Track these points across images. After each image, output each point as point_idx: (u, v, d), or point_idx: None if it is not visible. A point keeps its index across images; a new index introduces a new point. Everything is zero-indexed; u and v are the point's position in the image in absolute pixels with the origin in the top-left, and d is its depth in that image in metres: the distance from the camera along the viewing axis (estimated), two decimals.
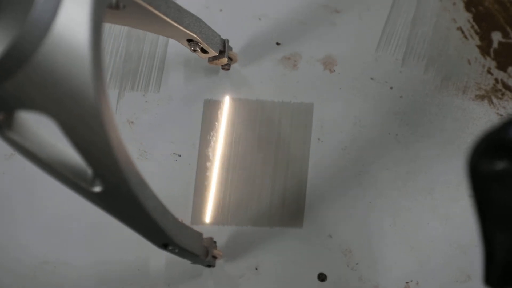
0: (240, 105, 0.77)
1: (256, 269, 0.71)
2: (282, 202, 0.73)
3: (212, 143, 0.76)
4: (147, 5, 0.51)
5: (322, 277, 0.70)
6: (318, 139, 0.75)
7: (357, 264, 0.70)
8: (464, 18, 0.79)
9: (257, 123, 0.76)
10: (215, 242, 0.69)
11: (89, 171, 0.42)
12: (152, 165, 0.75)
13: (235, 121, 0.76)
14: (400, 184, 0.73)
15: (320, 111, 0.76)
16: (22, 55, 0.32)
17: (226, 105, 0.77)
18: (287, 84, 0.78)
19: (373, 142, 0.75)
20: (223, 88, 0.78)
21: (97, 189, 0.43)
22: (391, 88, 0.77)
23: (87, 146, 0.39)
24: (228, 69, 0.77)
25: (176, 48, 0.78)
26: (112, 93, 0.77)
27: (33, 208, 0.75)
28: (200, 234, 0.63)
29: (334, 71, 0.78)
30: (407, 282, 0.69)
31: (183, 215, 0.73)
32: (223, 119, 0.76)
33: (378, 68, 0.78)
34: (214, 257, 0.68)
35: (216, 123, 0.76)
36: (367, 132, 0.75)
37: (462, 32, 0.79)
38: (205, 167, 0.75)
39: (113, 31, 0.79)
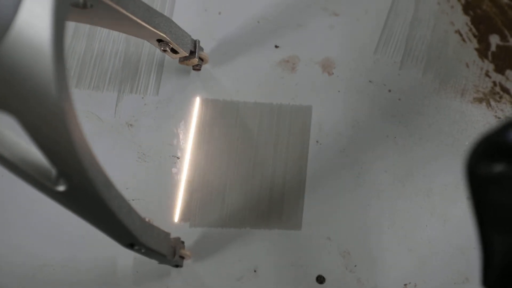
0: (237, 107, 0.77)
1: (255, 271, 0.71)
2: (280, 205, 0.73)
3: (207, 144, 0.76)
4: (114, 5, 0.51)
5: (320, 280, 0.70)
6: (317, 141, 0.76)
7: (355, 266, 0.71)
8: (462, 21, 0.79)
9: (256, 125, 0.76)
10: (183, 242, 0.69)
11: (53, 170, 0.42)
12: (151, 167, 0.75)
13: (232, 123, 0.77)
14: (398, 186, 0.73)
15: (318, 113, 0.77)
16: None
17: (226, 106, 0.77)
18: (285, 87, 0.78)
19: (371, 144, 0.75)
20: (224, 89, 0.78)
21: (61, 188, 0.43)
22: (390, 90, 0.77)
23: (50, 145, 0.39)
24: (199, 69, 0.77)
25: None
26: (111, 96, 0.77)
27: (32, 211, 0.75)
28: (167, 234, 0.63)
29: (333, 73, 0.78)
30: (405, 284, 0.70)
31: (183, 217, 0.73)
32: (221, 121, 0.77)
33: (376, 71, 0.78)
34: (182, 257, 0.68)
35: (212, 125, 0.76)
36: (365, 134, 0.75)
37: (460, 35, 0.79)
38: (202, 169, 0.75)
39: (112, 34, 0.79)
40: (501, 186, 0.36)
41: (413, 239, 0.71)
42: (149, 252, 0.58)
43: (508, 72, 0.76)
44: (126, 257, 0.72)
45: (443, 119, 0.75)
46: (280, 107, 0.77)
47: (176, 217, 0.73)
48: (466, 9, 0.80)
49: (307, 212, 0.73)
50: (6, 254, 0.73)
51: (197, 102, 0.77)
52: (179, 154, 0.75)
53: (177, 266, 0.69)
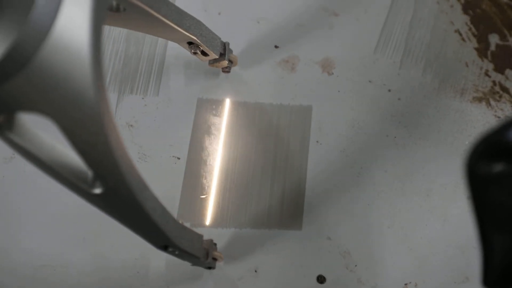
0: (238, 107, 0.77)
1: (255, 271, 0.71)
2: (281, 205, 0.73)
3: (208, 145, 0.76)
4: (147, 8, 0.51)
5: (321, 279, 0.70)
6: (317, 141, 0.76)
7: (356, 266, 0.71)
8: (462, 20, 0.80)
9: (255, 125, 0.76)
10: (215, 244, 0.69)
11: (89, 172, 0.42)
12: (151, 168, 0.75)
13: (232, 123, 0.77)
14: (398, 185, 0.73)
15: (318, 113, 0.77)
16: (22, 57, 0.32)
17: (226, 107, 0.77)
18: (285, 87, 0.78)
19: (371, 144, 0.75)
20: (223, 90, 0.78)
21: (97, 190, 0.43)
22: (389, 90, 0.77)
23: (87, 148, 0.39)
24: (228, 71, 0.77)
25: (175, 51, 0.79)
26: (111, 97, 0.77)
27: (33, 212, 0.75)
28: (200, 236, 0.63)
29: (333, 73, 0.79)
30: (405, 284, 0.70)
31: (183, 218, 0.73)
32: (222, 121, 0.77)
33: (376, 71, 0.78)
34: (214, 259, 0.68)
35: (212, 125, 0.77)
36: (365, 134, 0.75)
37: (460, 34, 0.79)
38: (203, 169, 0.75)
39: (112, 34, 0.79)
40: (501, 186, 0.36)
41: (413, 238, 0.71)
42: (183, 254, 0.58)
43: (507, 71, 0.77)
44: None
45: (442, 119, 0.75)
46: (280, 107, 0.77)
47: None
48: (465, 8, 0.80)
49: (307, 212, 0.73)
50: (7, 255, 0.73)
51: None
52: (179, 155, 0.75)
53: (209, 268, 0.69)
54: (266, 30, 0.80)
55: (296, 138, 0.76)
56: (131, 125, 0.76)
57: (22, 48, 0.32)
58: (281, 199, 0.74)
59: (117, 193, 0.44)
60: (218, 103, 0.77)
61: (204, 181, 0.74)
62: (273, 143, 0.76)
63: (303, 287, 0.70)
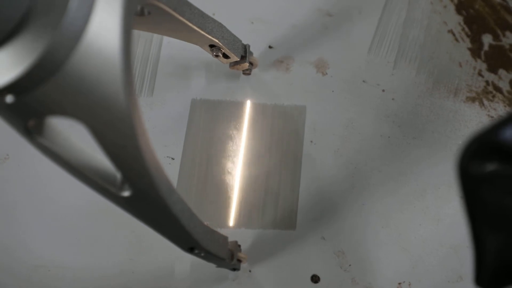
0: (231, 107, 0.77)
1: (250, 271, 0.71)
2: (275, 205, 0.73)
3: (201, 145, 0.76)
4: (172, 11, 0.51)
5: (315, 279, 0.71)
6: (311, 141, 0.76)
7: (350, 265, 0.71)
8: (455, 21, 0.80)
9: (249, 126, 0.77)
10: (239, 245, 0.69)
11: (118, 175, 0.42)
12: None
13: (225, 124, 0.77)
14: (392, 185, 0.73)
15: (312, 113, 0.77)
16: (53, 63, 0.32)
17: (222, 108, 0.77)
18: (279, 87, 0.78)
19: (365, 144, 0.75)
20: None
21: (126, 193, 0.43)
22: (383, 90, 0.77)
23: (117, 151, 0.39)
24: (249, 74, 0.78)
25: (170, 50, 0.79)
26: None
27: (27, 213, 0.75)
28: (225, 238, 0.64)
29: (327, 74, 0.79)
30: (399, 283, 0.70)
31: None
32: (215, 122, 0.77)
33: (370, 71, 0.78)
34: (239, 261, 0.68)
35: (207, 126, 0.77)
36: (359, 134, 0.76)
37: (453, 34, 0.79)
38: (196, 170, 0.75)
39: None
40: (494, 185, 0.36)
41: (407, 238, 0.71)
42: (209, 255, 0.58)
43: (500, 71, 0.77)
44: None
45: (436, 119, 0.76)
46: (274, 108, 0.77)
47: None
48: (459, 9, 0.80)
49: (301, 212, 0.73)
50: (2, 253, 0.73)
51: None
52: (173, 155, 0.75)
53: (234, 269, 0.69)
54: (260, 31, 0.80)
55: (290, 138, 0.76)
56: None
57: (53, 54, 0.32)
58: (275, 199, 0.74)
59: (145, 196, 0.44)
60: (212, 103, 0.78)
61: (198, 181, 0.74)
62: (267, 143, 0.76)
63: (298, 287, 0.71)
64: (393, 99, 0.77)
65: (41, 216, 0.75)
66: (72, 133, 0.41)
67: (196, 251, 0.56)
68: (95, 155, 0.42)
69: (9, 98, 0.33)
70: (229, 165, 0.75)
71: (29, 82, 0.32)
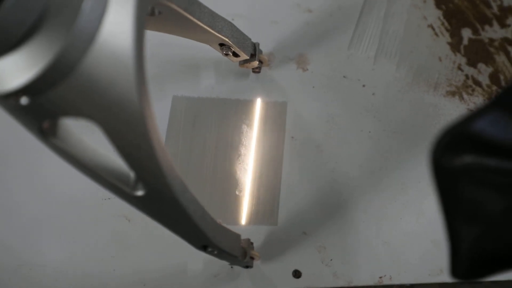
0: (212, 104, 0.77)
1: (231, 267, 0.71)
2: (257, 200, 0.74)
3: (183, 141, 0.76)
4: (182, 11, 0.52)
5: (297, 274, 0.71)
6: (292, 137, 0.76)
7: (331, 260, 0.71)
8: (435, 15, 0.80)
9: (231, 122, 0.77)
10: (252, 243, 0.69)
11: (131, 175, 0.42)
12: None
13: (208, 121, 0.77)
14: (373, 180, 0.74)
15: (293, 109, 0.77)
16: (67, 65, 0.32)
17: (203, 105, 0.77)
18: (260, 84, 0.78)
19: (346, 139, 0.75)
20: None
21: (140, 193, 0.43)
22: (364, 85, 0.78)
23: (131, 150, 0.39)
24: (258, 72, 0.78)
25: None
26: None
27: (8, 212, 0.74)
28: (238, 236, 0.64)
29: (307, 69, 0.79)
30: (380, 277, 0.70)
31: None
32: (194, 119, 0.77)
33: (350, 66, 0.79)
34: (252, 258, 0.68)
35: (187, 122, 0.77)
36: (340, 129, 0.76)
37: (433, 29, 0.79)
38: (179, 165, 0.75)
39: None
40: (466, 177, 0.36)
41: (388, 232, 0.72)
42: (222, 253, 0.59)
43: (480, 65, 0.77)
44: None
45: (416, 113, 0.76)
46: (255, 104, 0.77)
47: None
48: (438, 3, 0.81)
49: (283, 208, 0.73)
50: None
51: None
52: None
53: (247, 267, 0.70)
54: (241, 27, 0.80)
55: (271, 134, 0.76)
56: None
57: (67, 56, 0.32)
58: (257, 195, 0.74)
59: (159, 195, 0.44)
60: (193, 100, 0.77)
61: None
62: (249, 139, 0.76)
63: (279, 281, 0.71)
64: (373, 94, 0.77)
65: (21, 216, 0.74)
66: (84, 133, 0.41)
67: (210, 249, 0.56)
68: (108, 155, 0.42)
69: (24, 100, 0.33)
70: (208, 160, 0.75)
71: (43, 84, 0.32)
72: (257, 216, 0.73)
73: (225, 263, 0.70)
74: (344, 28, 0.80)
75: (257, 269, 0.71)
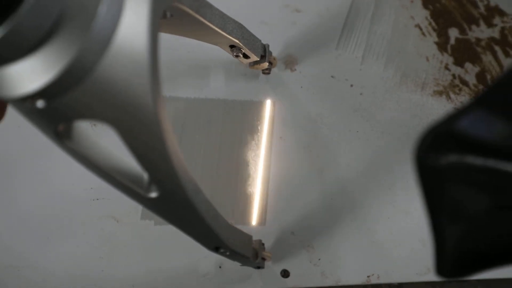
0: (201, 105, 0.77)
1: (220, 267, 0.71)
2: (245, 201, 0.74)
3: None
4: (194, 13, 0.52)
5: (285, 274, 0.71)
6: (280, 137, 0.76)
7: (319, 259, 0.71)
8: (422, 15, 0.80)
9: (219, 122, 0.77)
10: (263, 244, 0.70)
11: (145, 177, 0.42)
12: None
13: (196, 120, 0.77)
14: (361, 180, 0.74)
15: (281, 110, 0.77)
16: (83, 68, 0.32)
17: (187, 104, 0.77)
18: (248, 84, 0.78)
19: (334, 139, 0.76)
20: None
21: (153, 194, 0.43)
22: (352, 85, 0.78)
23: (145, 153, 0.39)
24: (268, 73, 0.78)
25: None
26: None
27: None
28: (250, 237, 0.64)
29: (295, 70, 0.79)
30: (368, 276, 0.70)
31: (148, 216, 0.73)
32: (183, 119, 0.77)
33: (338, 66, 0.79)
34: (263, 259, 0.68)
35: (175, 124, 0.77)
36: (328, 129, 0.76)
37: (420, 29, 0.80)
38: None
39: None
40: (450, 176, 0.36)
41: (376, 231, 0.72)
42: (234, 254, 0.59)
43: (467, 64, 0.78)
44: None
45: (404, 113, 0.76)
46: (243, 104, 0.77)
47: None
48: (425, 3, 0.81)
49: (271, 208, 0.73)
50: None
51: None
52: None
53: (258, 267, 0.70)
54: None
55: (259, 135, 0.76)
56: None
57: (83, 59, 0.32)
58: (245, 195, 0.74)
59: (172, 197, 0.44)
60: (182, 100, 0.77)
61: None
62: (237, 140, 0.76)
63: (267, 281, 0.71)
64: (361, 94, 0.77)
65: (9, 216, 0.74)
66: (94, 134, 0.41)
67: (222, 250, 0.57)
68: (121, 157, 0.42)
69: (40, 103, 0.33)
70: (196, 161, 0.75)
71: (59, 87, 0.32)
72: (245, 217, 0.73)
73: (215, 264, 0.70)
74: (332, 29, 0.81)
75: (245, 269, 0.71)
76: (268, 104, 0.78)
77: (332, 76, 0.78)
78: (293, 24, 0.81)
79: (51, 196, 0.75)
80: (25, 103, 0.33)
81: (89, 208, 0.74)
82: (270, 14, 0.82)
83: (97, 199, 0.74)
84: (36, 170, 0.75)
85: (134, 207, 0.74)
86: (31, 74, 0.32)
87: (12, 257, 0.73)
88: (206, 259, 0.72)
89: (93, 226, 0.74)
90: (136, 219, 0.74)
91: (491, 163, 0.34)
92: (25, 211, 0.74)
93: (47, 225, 0.74)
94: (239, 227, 0.65)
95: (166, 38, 0.80)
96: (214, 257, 0.71)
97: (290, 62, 0.79)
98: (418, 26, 0.80)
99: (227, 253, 0.58)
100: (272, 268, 0.71)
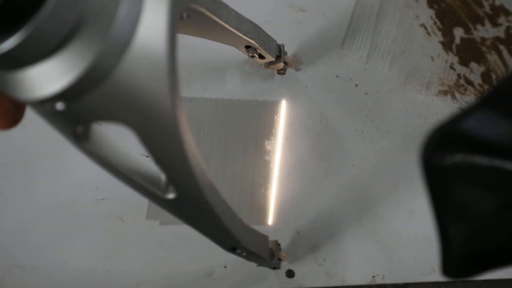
0: (205, 104, 0.77)
1: (225, 267, 0.72)
2: (250, 200, 0.74)
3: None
4: (211, 14, 0.52)
5: (290, 274, 0.71)
6: (286, 137, 0.76)
7: (324, 259, 0.71)
8: (427, 14, 0.80)
9: (224, 122, 0.77)
10: (279, 244, 0.70)
11: (162, 178, 0.43)
12: None
13: (200, 120, 0.77)
14: (365, 179, 0.74)
15: (286, 109, 0.77)
16: (102, 70, 0.32)
17: (188, 104, 0.77)
18: (253, 84, 0.78)
19: (339, 139, 0.76)
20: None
21: (171, 196, 0.43)
22: (356, 85, 0.78)
23: (163, 154, 0.39)
24: (283, 73, 0.78)
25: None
26: None
27: (1, 212, 0.74)
28: (266, 237, 0.64)
29: (300, 69, 0.79)
30: (373, 276, 0.70)
31: (153, 216, 0.73)
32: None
33: (343, 66, 0.79)
34: (279, 259, 0.69)
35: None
36: (333, 129, 0.76)
37: (425, 28, 0.80)
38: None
39: None
40: (457, 176, 0.36)
41: (381, 231, 0.72)
42: (250, 255, 0.59)
43: (472, 64, 0.77)
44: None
45: (409, 112, 0.76)
46: (248, 103, 0.77)
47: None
48: (430, 2, 0.81)
49: (276, 208, 0.73)
50: None
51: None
52: None
53: (274, 268, 0.70)
54: None
55: (265, 134, 0.76)
56: None
57: (103, 61, 0.32)
58: (250, 195, 0.74)
59: (190, 198, 0.44)
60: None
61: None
62: (242, 139, 0.76)
63: (273, 281, 0.71)
64: (366, 93, 0.77)
65: (14, 216, 0.74)
66: (115, 137, 0.41)
67: (238, 251, 0.57)
68: (139, 159, 0.42)
69: (59, 105, 0.33)
70: (203, 161, 0.75)
71: (79, 90, 0.32)
72: (250, 217, 0.73)
73: (220, 264, 0.70)
74: (337, 28, 0.80)
75: (250, 269, 0.71)
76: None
77: (337, 76, 0.78)
78: (298, 23, 0.81)
79: (57, 196, 0.75)
80: (45, 105, 0.33)
81: (95, 208, 0.74)
82: (275, 14, 0.81)
83: (103, 199, 0.74)
84: (41, 171, 0.76)
85: (139, 207, 0.74)
86: (50, 76, 0.32)
87: (17, 257, 0.73)
88: (211, 259, 0.72)
89: (99, 226, 0.74)
90: (141, 219, 0.74)
91: (497, 162, 0.34)
92: (30, 211, 0.74)
93: (53, 225, 0.74)
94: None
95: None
96: (219, 257, 0.71)
97: (294, 62, 0.79)
98: (423, 25, 0.80)
99: (244, 254, 0.58)
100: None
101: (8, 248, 0.73)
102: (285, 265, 0.71)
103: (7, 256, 0.73)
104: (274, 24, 0.81)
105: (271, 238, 0.71)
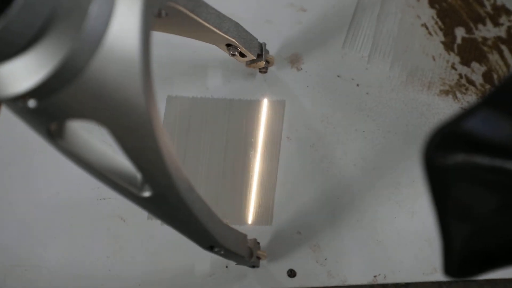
0: (207, 104, 0.77)
1: (227, 267, 0.72)
2: (251, 200, 0.74)
3: (175, 141, 0.76)
4: (189, 13, 0.52)
5: (291, 273, 0.71)
6: (287, 137, 0.76)
7: (325, 259, 0.71)
8: (428, 14, 0.80)
9: (225, 121, 0.77)
10: (258, 243, 0.70)
11: (138, 176, 0.43)
12: None
13: (200, 120, 0.77)
14: (367, 179, 0.74)
15: (288, 109, 0.77)
16: (74, 68, 0.32)
17: (191, 104, 0.77)
18: (255, 83, 0.78)
19: (340, 138, 0.76)
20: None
21: (147, 194, 0.43)
22: (358, 85, 0.78)
23: (137, 153, 0.39)
24: (265, 72, 0.79)
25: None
26: None
27: (3, 212, 0.74)
28: (244, 236, 0.64)
29: (301, 69, 0.79)
30: (374, 276, 0.70)
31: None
32: (189, 119, 0.77)
33: (344, 66, 0.79)
34: (258, 258, 0.69)
35: (182, 122, 0.77)
36: (334, 128, 0.76)
37: (427, 28, 0.80)
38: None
39: None
40: (458, 175, 0.36)
41: (382, 231, 0.72)
42: (228, 253, 0.59)
43: (473, 64, 0.77)
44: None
45: (410, 112, 0.76)
46: (249, 103, 0.77)
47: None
48: (432, 2, 0.81)
49: (277, 207, 0.73)
50: None
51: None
52: None
53: (253, 266, 0.70)
54: None
55: (266, 134, 0.76)
56: None
57: (74, 59, 0.32)
58: (251, 195, 0.74)
59: (165, 196, 0.45)
60: (186, 100, 0.77)
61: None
62: (243, 140, 0.76)
63: (274, 281, 0.71)
64: (367, 93, 0.77)
65: (17, 216, 0.74)
66: (92, 135, 0.41)
67: (216, 249, 0.57)
68: (115, 156, 0.42)
69: (31, 103, 0.33)
70: (203, 161, 0.75)
71: (51, 87, 0.32)
72: (252, 216, 0.73)
73: (222, 264, 0.70)
74: (338, 28, 0.80)
75: (251, 269, 0.71)
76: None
77: (338, 76, 0.78)
78: (299, 23, 0.81)
79: (58, 196, 0.75)
80: (17, 102, 0.33)
81: (96, 207, 0.74)
82: (276, 13, 0.81)
83: (104, 199, 0.74)
84: (43, 171, 0.76)
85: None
86: (22, 74, 0.32)
87: (19, 257, 0.73)
88: (213, 259, 0.72)
89: (100, 226, 0.74)
90: (142, 219, 0.74)
91: (498, 162, 0.34)
92: (32, 211, 0.74)
93: (54, 225, 0.74)
94: (242, 227, 0.65)
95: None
96: (221, 258, 0.71)
97: (296, 61, 0.79)
98: (424, 25, 0.80)
99: (222, 252, 0.58)
100: (278, 268, 0.71)
101: (10, 248, 0.73)
102: (286, 265, 0.71)
103: (9, 256, 0.73)
104: (275, 23, 0.81)
105: (273, 238, 0.71)
